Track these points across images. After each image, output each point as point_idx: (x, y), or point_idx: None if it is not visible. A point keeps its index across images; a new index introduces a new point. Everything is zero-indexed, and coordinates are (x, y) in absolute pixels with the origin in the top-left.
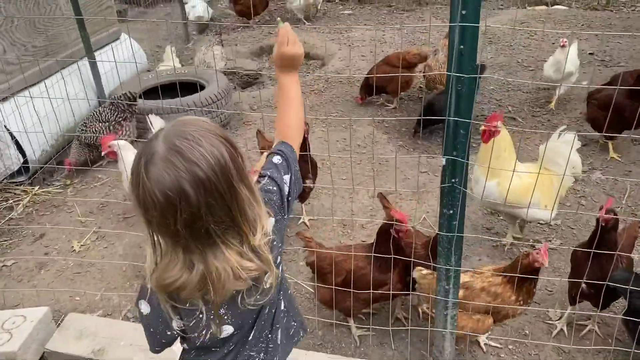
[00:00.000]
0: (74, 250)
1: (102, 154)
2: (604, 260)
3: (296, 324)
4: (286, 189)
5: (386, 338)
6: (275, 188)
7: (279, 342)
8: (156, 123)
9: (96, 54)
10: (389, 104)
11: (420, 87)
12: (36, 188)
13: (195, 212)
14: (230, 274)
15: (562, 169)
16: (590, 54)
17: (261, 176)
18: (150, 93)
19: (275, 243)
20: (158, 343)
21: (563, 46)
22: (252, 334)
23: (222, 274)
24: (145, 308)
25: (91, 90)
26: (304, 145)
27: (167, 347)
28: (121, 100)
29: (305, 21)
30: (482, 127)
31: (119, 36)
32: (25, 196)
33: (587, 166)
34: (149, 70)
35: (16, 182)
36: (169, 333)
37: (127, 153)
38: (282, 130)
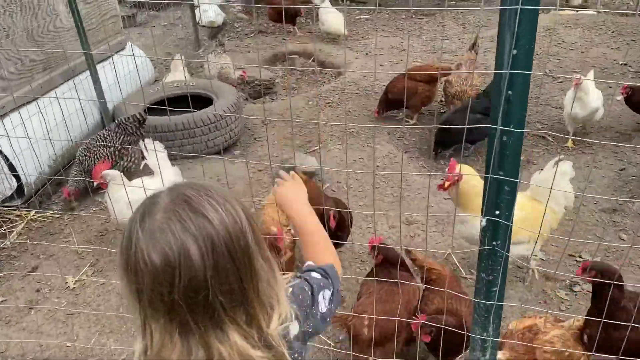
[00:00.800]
0: (68, 286)
1: (94, 184)
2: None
3: None
4: (323, 306)
5: None
6: (308, 291)
7: None
8: (152, 148)
9: (99, 66)
10: (408, 119)
11: (441, 100)
12: (32, 212)
13: (198, 278)
14: None
15: (554, 201)
16: (623, 64)
17: (296, 277)
18: (155, 108)
19: (297, 350)
20: None
21: (577, 85)
22: None
23: None
24: None
25: (94, 106)
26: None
27: None
28: (129, 122)
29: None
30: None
31: (125, 46)
32: (20, 222)
33: (626, 194)
34: (156, 81)
35: (10, 206)
36: None
37: (114, 187)
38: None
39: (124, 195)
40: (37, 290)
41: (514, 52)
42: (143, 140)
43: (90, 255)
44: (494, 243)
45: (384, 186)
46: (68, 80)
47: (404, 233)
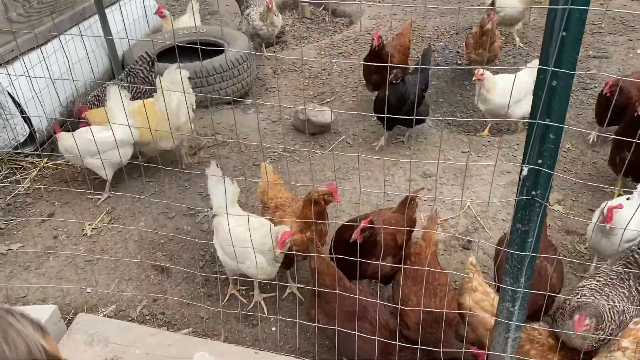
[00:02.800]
0: (85, 233)
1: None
2: None
3: None
4: None
5: None
6: None
7: None
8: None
9: (108, 10)
10: None
11: (457, 52)
12: (45, 160)
13: None
14: None
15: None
16: None
17: None
18: (165, 55)
19: None
20: None
21: (478, 80)
22: None
23: None
24: None
25: (102, 50)
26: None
27: None
28: (138, 66)
29: None
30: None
31: None
32: (33, 169)
33: None
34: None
35: (23, 153)
36: None
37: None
38: None
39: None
40: (55, 237)
41: None
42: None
43: (105, 203)
44: (534, 193)
45: (401, 139)
46: (76, 24)
47: (420, 186)
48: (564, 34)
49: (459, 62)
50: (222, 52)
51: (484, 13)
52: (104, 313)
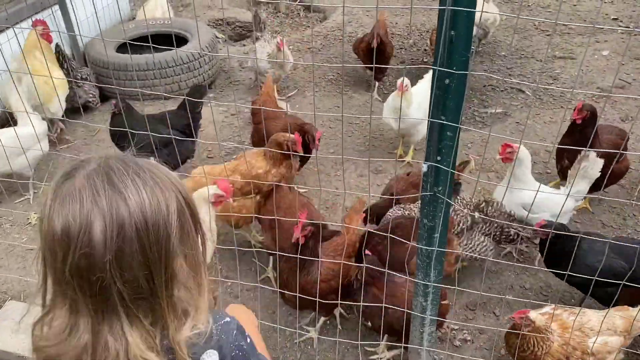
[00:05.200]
0: (30, 222)
1: None
2: None
3: None
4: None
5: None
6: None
7: None
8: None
9: None
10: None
11: (425, 49)
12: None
13: (95, 258)
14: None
15: None
16: (614, 19)
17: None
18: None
19: None
20: None
21: (401, 91)
22: None
23: (110, 356)
24: None
25: (65, 42)
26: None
27: None
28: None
29: None
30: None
31: None
32: None
33: None
34: (133, 18)
35: None
36: None
37: None
38: None
39: None
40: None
41: None
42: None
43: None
44: (436, 189)
45: (356, 135)
46: (36, 13)
47: (371, 181)
48: (453, 32)
49: (425, 60)
50: (186, 42)
51: None
52: None
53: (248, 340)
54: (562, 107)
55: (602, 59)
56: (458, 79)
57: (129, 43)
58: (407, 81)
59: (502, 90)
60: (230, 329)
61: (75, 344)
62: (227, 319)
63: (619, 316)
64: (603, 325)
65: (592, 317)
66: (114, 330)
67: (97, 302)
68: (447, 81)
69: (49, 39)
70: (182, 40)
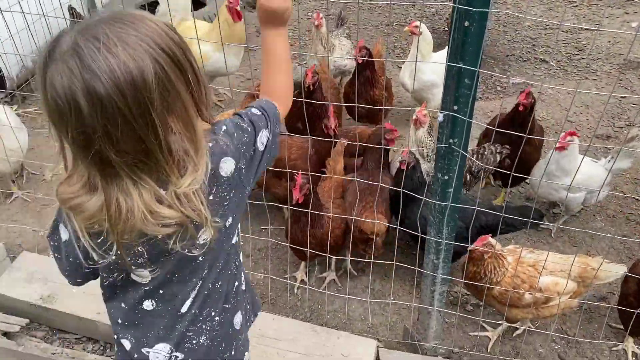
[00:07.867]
0: (44, 179)
1: None
2: None
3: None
4: (261, 145)
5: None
6: (249, 129)
7: (237, 327)
8: None
9: None
10: None
11: (446, 18)
12: (14, 107)
13: (88, 134)
14: (138, 215)
15: None
16: None
17: (236, 114)
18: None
19: (225, 195)
20: (80, 274)
21: (412, 32)
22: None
23: (123, 212)
24: (64, 234)
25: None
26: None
27: (92, 279)
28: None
29: None
30: None
31: None
32: None
33: (624, 121)
34: None
35: None
36: (91, 263)
37: None
38: (268, 96)
39: None
40: (12, 182)
41: None
42: None
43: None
44: (451, 141)
45: None
46: None
47: None
48: None
49: (446, 29)
50: None
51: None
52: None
53: (245, 124)
54: (586, 78)
55: (631, 30)
56: (478, 21)
57: None
58: (422, 26)
59: (524, 61)
60: (230, 134)
61: (96, 199)
62: (223, 126)
63: (578, 262)
64: (557, 267)
65: (550, 258)
66: (122, 190)
67: (101, 169)
68: (466, 23)
69: None
70: None
